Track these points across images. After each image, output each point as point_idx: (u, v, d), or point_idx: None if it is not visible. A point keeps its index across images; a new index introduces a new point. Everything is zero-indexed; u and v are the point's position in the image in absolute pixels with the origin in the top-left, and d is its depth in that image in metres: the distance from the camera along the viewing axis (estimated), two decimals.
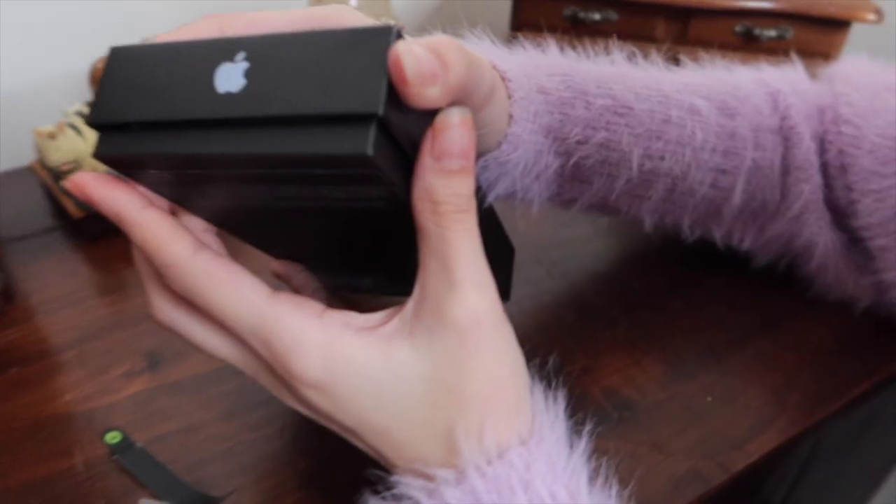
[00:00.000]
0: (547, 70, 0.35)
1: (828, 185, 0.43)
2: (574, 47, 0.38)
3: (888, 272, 0.42)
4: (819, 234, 0.43)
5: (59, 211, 0.56)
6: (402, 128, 0.22)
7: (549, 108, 0.35)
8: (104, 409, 0.39)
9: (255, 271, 0.26)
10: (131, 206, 0.25)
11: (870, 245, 0.43)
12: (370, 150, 0.21)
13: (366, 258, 0.36)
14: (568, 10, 0.75)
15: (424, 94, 0.21)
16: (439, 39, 0.22)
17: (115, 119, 0.24)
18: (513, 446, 0.25)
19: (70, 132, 0.52)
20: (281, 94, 0.22)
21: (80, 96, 0.62)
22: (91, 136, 0.54)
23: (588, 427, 0.27)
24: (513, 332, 0.26)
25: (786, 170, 0.42)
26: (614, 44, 0.39)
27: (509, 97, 0.32)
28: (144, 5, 0.68)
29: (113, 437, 0.37)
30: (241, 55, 0.23)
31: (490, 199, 0.35)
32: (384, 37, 0.21)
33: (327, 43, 0.22)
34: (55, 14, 0.64)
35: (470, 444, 0.24)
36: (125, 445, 0.36)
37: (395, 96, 0.21)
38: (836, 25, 0.73)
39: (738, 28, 0.73)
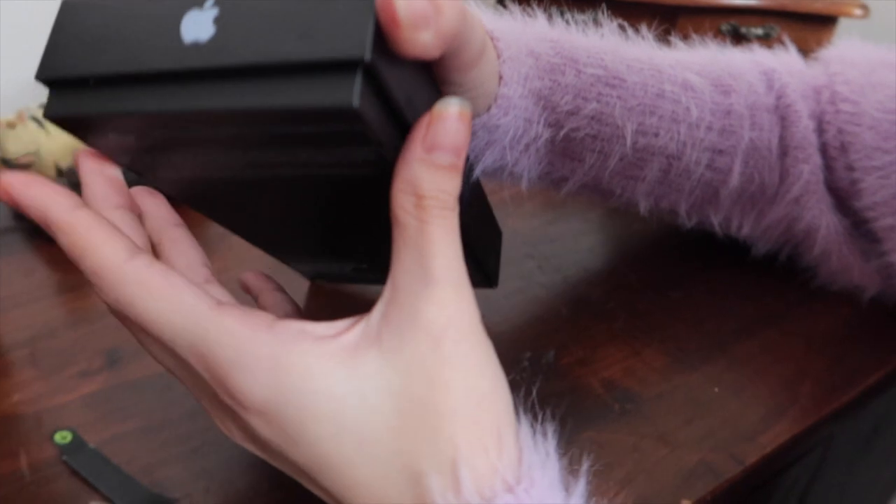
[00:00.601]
0: (535, 35, 0.33)
1: (828, 167, 0.41)
2: (563, 18, 0.37)
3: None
4: (820, 218, 0.41)
5: (17, 210, 0.52)
6: (391, 82, 0.20)
7: (538, 72, 0.33)
8: (55, 409, 0.35)
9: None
10: (59, 207, 0.22)
11: (875, 226, 0.41)
12: (355, 102, 0.18)
13: (347, 238, 0.33)
14: (553, 10, 0.74)
15: (416, 38, 0.19)
16: None
17: (68, 73, 0.21)
18: (498, 494, 0.20)
19: (31, 124, 0.49)
20: (255, 41, 0.19)
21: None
22: (53, 128, 0.51)
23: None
24: (492, 347, 0.22)
25: (784, 150, 0.40)
26: (604, 17, 0.37)
27: (498, 57, 0.30)
28: None
29: (63, 438, 0.33)
30: (209, 1, 0.20)
31: (478, 171, 0.33)
32: None
33: None
34: (19, 13, 0.62)
35: (445, 495, 0.20)
36: (76, 446, 0.33)
37: (382, 43, 0.19)
38: (823, 22, 0.73)
39: (724, 26, 0.73)
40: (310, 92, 0.19)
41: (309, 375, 0.20)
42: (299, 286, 0.44)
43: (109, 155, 0.24)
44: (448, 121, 0.21)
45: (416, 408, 0.20)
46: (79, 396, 0.36)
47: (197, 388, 0.24)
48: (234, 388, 0.21)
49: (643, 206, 0.42)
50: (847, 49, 0.44)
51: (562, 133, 0.35)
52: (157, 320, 0.21)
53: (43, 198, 0.22)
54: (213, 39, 0.20)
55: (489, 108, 0.31)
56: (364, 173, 0.23)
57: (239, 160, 0.23)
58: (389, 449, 0.21)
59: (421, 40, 0.20)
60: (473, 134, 0.31)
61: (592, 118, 0.34)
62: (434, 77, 0.25)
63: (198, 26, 0.20)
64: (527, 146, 0.34)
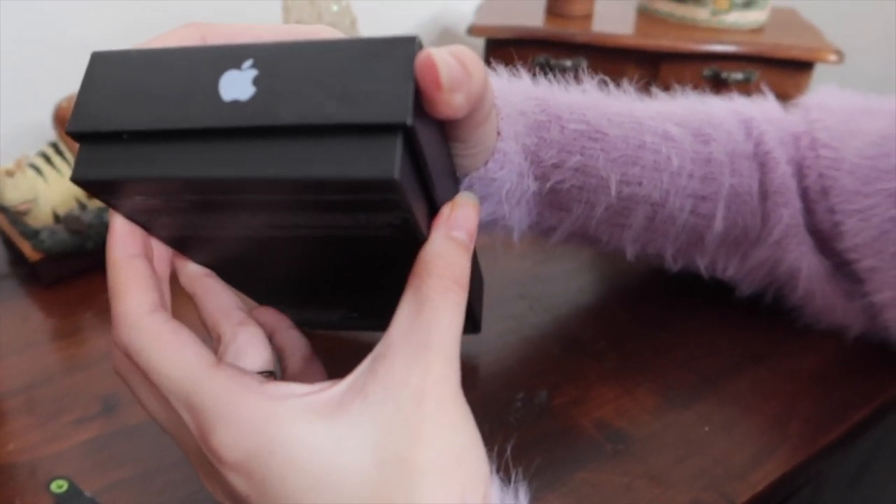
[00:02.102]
0: (522, 94, 0.35)
1: (810, 210, 0.42)
2: (546, 76, 0.38)
3: (878, 294, 0.41)
4: (802, 259, 0.42)
5: (15, 257, 0.53)
6: (423, 146, 0.21)
7: (527, 130, 0.34)
8: (51, 457, 0.35)
9: None
10: (118, 247, 0.24)
11: (857, 267, 0.42)
12: (396, 174, 0.19)
13: (343, 290, 0.33)
14: (539, 58, 0.77)
15: (452, 100, 0.21)
16: (460, 48, 0.22)
17: (102, 127, 0.21)
18: None
19: (30, 171, 0.50)
20: (296, 103, 0.20)
21: (44, 140, 0.60)
22: (52, 176, 0.52)
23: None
24: (470, 411, 0.23)
25: (764, 195, 0.41)
26: (584, 73, 0.39)
27: (498, 114, 0.32)
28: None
29: (59, 487, 0.33)
30: (248, 62, 0.20)
31: None
32: (409, 45, 0.20)
33: (344, 51, 0.20)
34: (18, 61, 0.63)
35: None
36: (72, 495, 0.33)
37: (419, 107, 0.20)
38: (800, 67, 0.75)
39: (706, 72, 0.75)
40: (349, 162, 0.19)
41: (293, 428, 0.21)
42: None
43: (124, 213, 0.25)
44: (469, 208, 0.24)
45: (395, 461, 0.21)
46: (75, 444, 0.36)
47: (185, 443, 0.25)
48: (218, 443, 0.22)
49: (630, 252, 0.43)
50: (826, 96, 0.45)
51: (548, 185, 0.36)
52: (159, 370, 0.23)
53: (113, 234, 0.24)
54: (254, 99, 0.20)
55: (486, 163, 0.32)
56: (381, 234, 0.23)
57: (260, 223, 0.24)
58: (368, 501, 0.21)
59: (456, 102, 0.21)
60: (470, 187, 0.32)
61: (577, 170, 0.36)
62: (445, 136, 0.26)
63: (237, 86, 0.20)
64: (519, 200, 0.36)
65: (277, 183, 0.20)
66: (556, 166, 0.35)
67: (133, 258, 0.24)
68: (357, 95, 0.19)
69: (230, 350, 0.27)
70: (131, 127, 0.21)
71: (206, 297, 0.28)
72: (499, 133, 0.31)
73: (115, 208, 0.24)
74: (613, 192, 0.37)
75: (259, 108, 0.20)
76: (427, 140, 0.21)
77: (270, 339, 0.33)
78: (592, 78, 0.39)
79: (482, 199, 0.34)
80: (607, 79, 0.40)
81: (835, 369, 0.44)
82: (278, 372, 0.30)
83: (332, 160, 0.19)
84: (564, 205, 0.38)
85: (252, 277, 0.32)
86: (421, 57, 0.20)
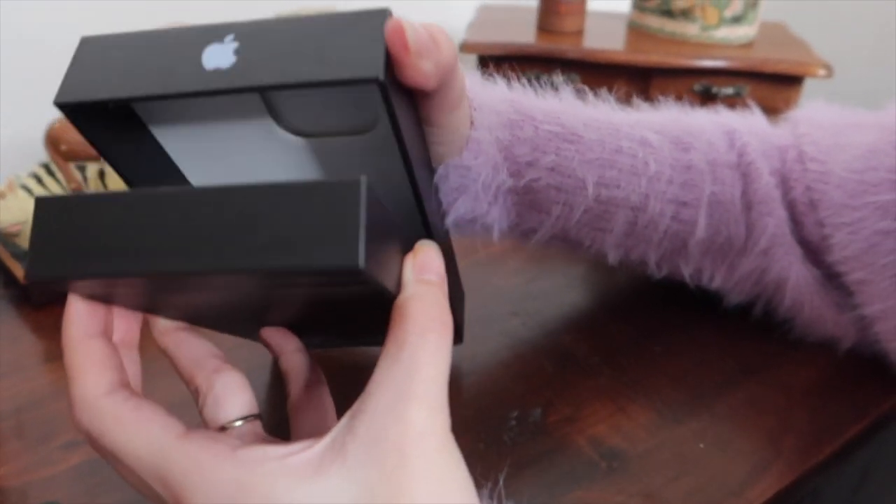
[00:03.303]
0: (496, 96, 0.36)
1: (798, 222, 0.43)
2: (538, 79, 0.39)
3: (868, 306, 0.42)
4: (789, 269, 0.43)
5: (7, 278, 0.53)
6: (396, 103, 0.22)
7: (500, 126, 0.35)
8: (41, 481, 0.35)
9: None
10: (73, 327, 0.24)
11: (847, 280, 0.42)
12: (361, 263, 0.19)
13: (320, 325, 0.33)
14: (530, 73, 0.77)
15: (420, 65, 0.22)
16: (430, 24, 0.23)
17: (88, 97, 0.22)
18: None
19: (21, 193, 0.50)
20: (275, 66, 0.21)
21: (35, 160, 0.60)
22: None
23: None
24: (462, 462, 0.22)
25: (748, 205, 0.42)
26: (558, 79, 0.40)
27: (470, 104, 0.33)
28: None
29: None
30: (230, 36, 0.22)
31: (450, 219, 0.35)
32: (380, 15, 0.21)
33: (319, 23, 0.21)
34: (9, 79, 0.63)
35: None
36: None
37: (392, 74, 0.21)
38: (789, 81, 0.76)
39: (696, 87, 0.76)
40: (318, 254, 0.19)
41: (272, 494, 0.20)
42: None
43: (83, 294, 0.24)
44: (430, 249, 0.25)
45: None
46: (65, 468, 0.36)
47: None
48: None
49: (612, 257, 0.43)
50: (814, 111, 0.46)
51: (523, 182, 0.36)
52: (125, 450, 0.22)
53: (70, 311, 0.24)
54: (234, 66, 0.21)
55: (461, 152, 0.32)
56: (357, 291, 0.23)
57: (226, 295, 0.24)
58: None
59: (424, 67, 0.22)
60: (446, 176, 0.33)
61: (551, 170, 0.36)
62: (419, 121, 0.27)
63: (219, 56, 0.21)
64: (495, 196, 0.36)
65: (235, 274, 0.20)
66: (529, 164, 0.36)
67: (90, 338, 0.24)
68: (333, 58, 0.21)
69: (208, 400, 0.26)
70: (116, 95, 0.22)
71: (178, 350, 0.27)
72: (472, 123, 0.32)
73: (73, 292, 0.24)
74: (590, 193, 0.37)
75: (240, 74, 0.21)
76: (405, 122, 0.23)
77: (276, 361, 0.32)
78: (573, 88, 0.40)
79: (459, 192, 0.34)
80: (585, 88, 0.40)
81: (828, 383, 0.44)
82: (265, 412, 0.30)
83: (295, 255, 0.19)
84: (543, 206, 0.38)
85: (225, 322, 0.32)
86: (390, 22, 0.21)
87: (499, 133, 0.34)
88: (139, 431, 0.22)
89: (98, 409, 0.23)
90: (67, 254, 0.21)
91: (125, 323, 0.26)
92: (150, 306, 0.26)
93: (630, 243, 0.42)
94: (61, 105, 0.22)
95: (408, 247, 0.25)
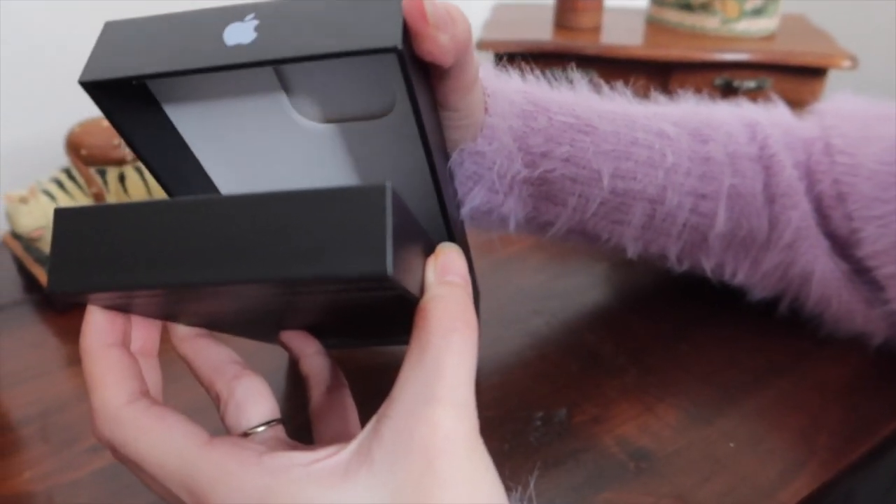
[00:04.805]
0: (511, 88, 0.35)
1: (825, 216, 0.42)
2: (555, 76, 0.38)
3: None
4: (815, 263, 0.42)
5: (30, 283, 0.53)
6: (412, 74, 0.22)
7: (514, 115, 0.35)
8: (66, 486, 0.35)
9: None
10: (91, 337, 0.24)
11: (877, 274, 0.41)
12: (389, 270, 0.19)
13: (343, 325, 0.33)
14: (547, 70, 0.76)
15: (438, 38, 0.23)
16: (446, 1, 0.23)
17: (113, 75, 0.22)
18: None
19: (43, 198, 0.50)
20: (295, 40, 0.21)
21: (55, 164, 0.60)
22: (65, 202, 0.52)
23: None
24: (492, 464, 0.22)
25: (770, 198, 0.41)
26: (574, 74, 0.39)
27: (484, 91, 0.33)
28: None
29: None
30: (250, 16, 0.22)
31: (466, 210, 0.35)
32: None
33: (337, 1, 0.22)
34: (30, 81, 0.64)
35: None
36: None
37: (408, 43, 0.22)
38: (813, 74, 0.74)
39: (717, 81, 0.74)
40: (343, 262, 0.19)
41: (299, 501, 0.20)
42: None
43: (103, 305, 0.24)
44: (451, 251, 0.24)
45: None
46: (90, 472, 0.36)
47: None
48: None
49: (631, 251, 0.43)
50: (842, 103, 0.45)
51: (537, 173, 0.36)
52: (149, 459, 0.22)
53: (89, 321, 0.23)
54: (255, 42, 0.22)
55: (476, 139, 0.32)
56: (375, 296, 0.23)
57: (246, 303, 0.24)
58: None
59: (441, 41, 0.23)
60: (461, 163, 0.33)
61: (566, 160, 0.36)
62: (436, 106, 0.28)
63: (240, 33, 0.22)
64: (511, 186, 0.36)
65: (260, 284, 0.20)
66: (544, 155, 0.35)
67: (109, 347, 0.23)
68: (351, 31, 0.21)
69: (230, 407, 0.26)
70: (140, 72, 0.22)
71: (197, 358, 0.27)
72: (487, 109, 0.32)
73: (92, 302, 0.24)
74: (606, 185, 0.37)
75: (260, 49, 0.21)
76: (422, 99, 0.23)
77: (296, 364, 0.32)
78: (588, 80, 0.39)
79: (474, 182, 0.34)
80: (601, 81, 0.40)
81: (860, 380, 0.43)
82: (286, 417, 0.29)
83: (319, 256, 0.19)
84: (559, 198, 0.38)
85: (242, 327, 0.32)
86: None
87: (512, 122, 0.34)
88: (162, 440, 0.22)
89: (120, 419, 0.22)
90: (89, 265, 0.21)
91: (144, 331, 0.26)
92: (169, 314, 0.26)
93: (649, 236, 0.42)
94: (85, 84, 0.23)
95: (429, 247, 0.25)
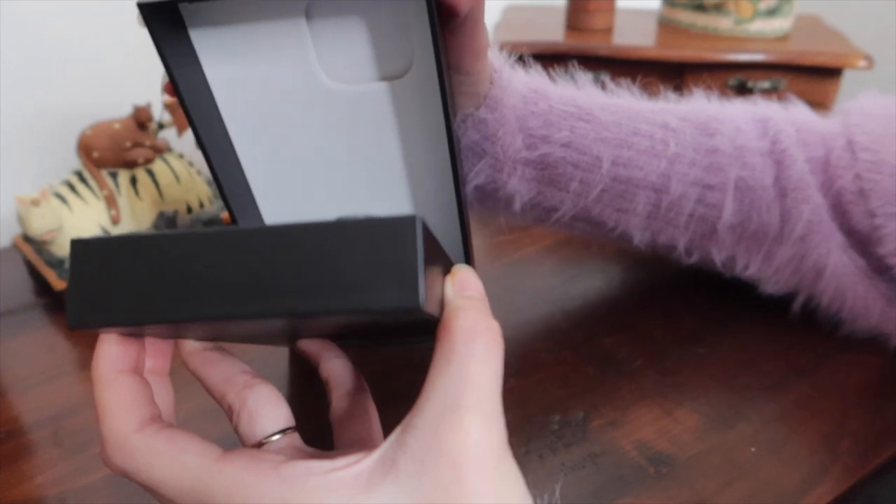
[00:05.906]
0: (516, 76, 0.37)
1: (845, 212, 0.41)
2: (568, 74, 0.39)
3: None
4: (828, 257, 0.42)
5: (42, 287, 0.53)
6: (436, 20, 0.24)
7: (516, 96, 0.36)
8: (79, 490, 0.35)
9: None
10: (103, 363, 0.23)
11: None
12: (421, 301, 0.19)
13: (361, 335, 0.33)
14: (560, 71, 0.76)
15: None
16: None
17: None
18: None
19: (54, 200, 0.50)
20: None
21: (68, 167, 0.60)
22: (76, 204, 0.52)
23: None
24: (520, 475, 0.21)
25: (782, 192, 0.41)
26: (576, 70, 0.40)
27: (490, 65, 0.34)
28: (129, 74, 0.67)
29: None
30: None
31: (471, 185, 0.36)
32: None
33: None
34: (42, 84, 0.64)
35: None
36: None
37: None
38: (828, 74, 0.74)
39: (731, 81, 0.74)
40: (375, 295, 0.19)
41: None
42: None
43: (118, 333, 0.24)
44: (467, 271, 0.24)
45: None
46: (102, 477, 0.36)
47: None
48: None
49: (638, 240, 0.43)
50: (866, 101, 0.45)
51: (536, 155, 0.37)
52: (164, 484, 0.22)
53: (101, 348, 0.23)
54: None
55: (479, 108, 0.35)
56: (407, 318, 0.23)
57: (270, 327, 0.23)
58: None
59: None
60: (465, 130, 0.35)
61: (565, 145, 0.37)
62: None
63: None
64: (514, 166, 0.37)
65: (287, 316, 0.19)
66: (544, 139, 0.36)
67: (120, 374, 0.23)
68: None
69: (242, 417, 0.26)
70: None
71: (207, 371, 0.27)
72: (492, 82, 0.34)
73: (106, 331, 0.23)
74: (605, 171, 0.38)
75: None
76: (442, 48, 0.25)
77: (316, 368, 0.32)
78: (594, 79, 0.40)
79: (479, 155, 0.36)
80: (607, 80, 0.40)
81: (882, 383, 0.42)
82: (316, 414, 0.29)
83: (349, 288, 0.19)
84: (561, 183, 0.38)
85: (254, 339, 0.31)
86: None
87: (515, 101, 0.36)
88: (175, 463, 0.22)
89: (131, 447, 0.22)
90: (110, 298, 0.20)
91: (156, 351, 0.25)
92: (182, 335, 0.26)
93: (656, 226, 0.42)
94: (141, 6, 0.24)
95: (447, 266, 0.25)
